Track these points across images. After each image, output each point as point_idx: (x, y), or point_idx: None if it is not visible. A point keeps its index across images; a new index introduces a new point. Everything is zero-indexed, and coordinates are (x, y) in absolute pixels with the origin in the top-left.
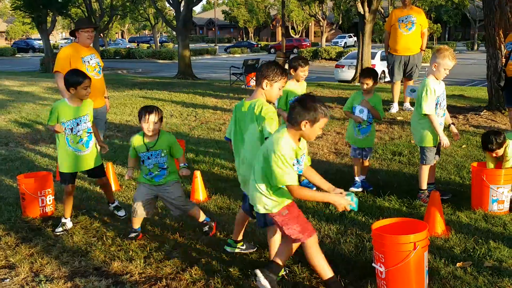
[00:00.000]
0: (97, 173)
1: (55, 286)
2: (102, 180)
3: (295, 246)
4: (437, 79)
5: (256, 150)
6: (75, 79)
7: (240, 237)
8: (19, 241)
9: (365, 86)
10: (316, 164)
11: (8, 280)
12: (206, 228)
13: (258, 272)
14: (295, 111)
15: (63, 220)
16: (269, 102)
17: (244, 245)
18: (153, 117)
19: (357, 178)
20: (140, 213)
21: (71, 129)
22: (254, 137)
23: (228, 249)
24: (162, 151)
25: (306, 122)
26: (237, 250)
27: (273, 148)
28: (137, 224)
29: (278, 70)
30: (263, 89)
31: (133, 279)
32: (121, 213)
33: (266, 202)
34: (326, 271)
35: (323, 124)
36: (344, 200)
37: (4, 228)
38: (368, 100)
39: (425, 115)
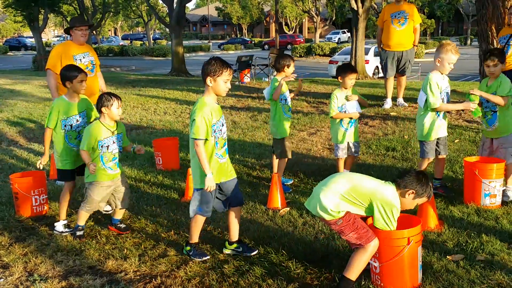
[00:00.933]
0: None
1: (50, 286)
2: None
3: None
4: (441, 73)
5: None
6: (70, 73)
7: (235, 238)
8: (13, 241)
9: (353, 82)
10: (311, 160)
11: (2, 280)
12: (122, 226)
13: None
14: (411, 178)
15: (63, 222)
16: (218, 96)
17: (240, 248)
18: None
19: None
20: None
21: (71, 126)
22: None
23: (226, 251)
24: (121, 135)
25: (413, 192)
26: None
27: (394, 203)
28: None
29: (218, 64)
30: (209, 86)
31: (128, 277)
32: (107, 207)
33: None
34: (355, 274)
35: (421, 201)
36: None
37: None
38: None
39: (433, 109)
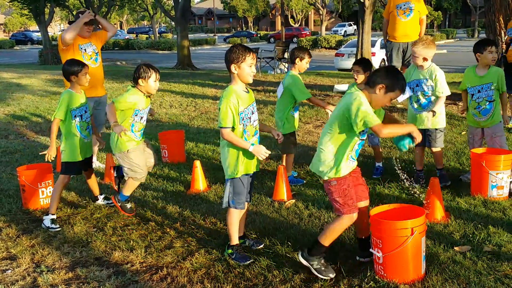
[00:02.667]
0: (89, 163)
1: (57, 277)
2: (90, 170)
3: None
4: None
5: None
6: (76, 68)
7: (241, 233)
8: (20, 233)
9: (355, 75)
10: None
11: (9, 271)
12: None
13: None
14: (379, 73)
15: (51, 216)
16: (246, 83)
17: (246, 242)
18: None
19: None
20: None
21: (81, 116)
22: None
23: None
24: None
25: (382, 86)
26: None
27: (356, 103)
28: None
29: (239, 50)
30: (234, 73)
31: (134, 268)
32: (111, 201)
33: (322, 168)
34: (328, 241)
35: (394, 96)
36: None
37: (5, 220)
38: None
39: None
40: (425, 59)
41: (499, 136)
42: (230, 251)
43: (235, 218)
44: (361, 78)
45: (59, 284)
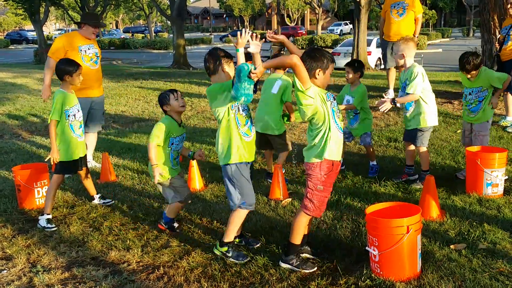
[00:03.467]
0: (84, 162)
1: (53, 277)
2: (85, 169)
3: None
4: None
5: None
6: (70, 68)
7: (238, 232)
8: (16, 233)
9: (346, 75)
10: None
11: (5, 271)
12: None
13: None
14: (307, 64)
15: (47, 216)
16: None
17: (243, 241)
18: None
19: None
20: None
21: (74, 115)
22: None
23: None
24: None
25: (319, 70)
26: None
27: (299, 87)
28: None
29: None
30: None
31: (131, 267)
32: (108, 200)
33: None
34: (299, 238)
35: (331, 70)
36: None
37: (0, 220)
38: (352, 90)
39: None
40: (403, 55)
41: (482, 135)
42: (225, 248)
43: (242, 218)
44: (352, 78)
45: (55, 284)
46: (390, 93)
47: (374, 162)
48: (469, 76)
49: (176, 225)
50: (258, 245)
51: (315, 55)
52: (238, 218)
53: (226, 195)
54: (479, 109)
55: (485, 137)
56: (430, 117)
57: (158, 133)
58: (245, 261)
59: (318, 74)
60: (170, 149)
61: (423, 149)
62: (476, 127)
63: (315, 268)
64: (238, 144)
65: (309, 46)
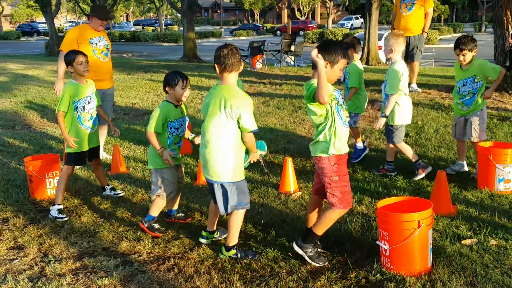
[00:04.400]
0: (95, 153)
1: (64, 266)
2: (97, 161)
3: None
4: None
5: (218, 136)
6: (69, 57)
7: (214, 227)
8: (27, 223)
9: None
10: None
11: (17, 260)
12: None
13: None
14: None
15: (58, 207)
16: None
17: (218, 233)
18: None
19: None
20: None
21: (83, 107)
22: (221, 125)
23: (204, 241)
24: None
25: (327, 63)
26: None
27: (313, 84)
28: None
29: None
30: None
31: (141, 258)
32: (118, 191)
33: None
34: (322, 230)
35: (342, 65)
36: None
37: (12, 210)
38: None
39: None
40: (391, 50)
41: (479, 123)
42: (233, 252)
43: (242, 219)
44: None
45: (67, 273)
46: None
47: (360, 144)
48: (462, 58)
49: (156, 226)
50: (225, 235)
51: (326, 47)
52: (238, 220)
53: (215, 202)
54: (473, 101)
55: (482, 125)
56: (400, 115)
57: (153, 121)
58: (255, 257)
59: (325, 67)
60: (168, 133)
61: (399, 145)
62: (472, 117)
63: (326, 263)
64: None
65: (320, 41)
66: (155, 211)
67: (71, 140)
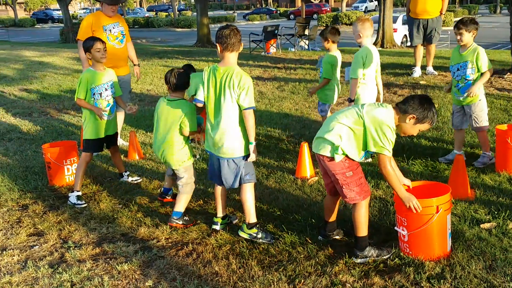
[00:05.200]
0: (114, 140)
1: (84, 252)
2: (115, 147)
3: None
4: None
5: (230, 117)
6: (87, 44)
7: (224, 212)
8: (47, 209)
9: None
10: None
11: (37, 247)
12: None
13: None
14: (412, 102)
15: (77, 193)
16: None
17: (230, 219)
18: None
19: None
20: None
21: (100, 94)
22: (229, 104)
23: (218, 227)
24: None
25: (413, 117)
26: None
27: (386, 121)
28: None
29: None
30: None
31: (160, 244)
32: (136, 178)
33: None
34: (364, 230)
35: (423, 128)
36: (412, 202)
37: (31, 197)
38: (323, 57)
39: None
40: (359, 35)
41: (479, 113)
42: (254, 230)
43: (253, 193)
44: (325, 45)
45: (87, 259)
46: (417, 71)
47: None
48: (459, 38)
49: (186, 217)
50: (237, 220)
51: (422, 104)
52: (250, 194)
53: (224, 178)
54: (466, 89)
55: (483, 115)
56: (363, 101)
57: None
58: (273, 241)
59: (409, 120)
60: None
61: None
62: (468, 109)
63: (389, 254)
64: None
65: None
66: (183, 207)
67: (101, 111)
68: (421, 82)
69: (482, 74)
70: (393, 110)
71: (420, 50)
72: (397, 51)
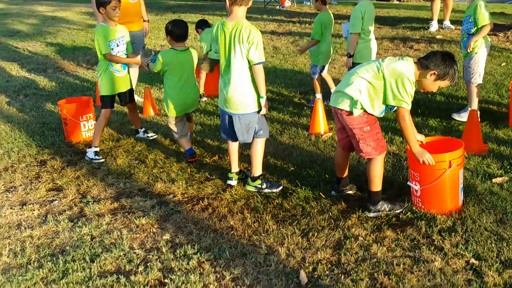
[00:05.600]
0: (130, 97)
1: (103, 206)
2: (132, 104)
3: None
4: None
5: (240, 72)
6: (104, 0)
7: (238, 168)
8: (65, 165)
9: None
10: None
11: (56, 201)
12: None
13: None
14: (434, 58)
15: (94, 149)
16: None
17: (244, 174)
18: None
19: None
20: None
21: (112, 49)
22: (240, 60)
23: (232, 182)
24: None
25: (434, 73)
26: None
27: (406, 74)
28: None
29: None
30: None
31: (176, 199)
32: (151, 134)
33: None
34: (378, 185)
35: (443, 84)
36: (425, 157)
37: (49, 152)
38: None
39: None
40: None
41: (468, 68)
42: (258, 182)
43: (263, 148)
44: (316, 4)
45: (106, 213)
46: (434, 25)
47: (318, 95)
48: None
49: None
50: (280, 189)
51: (445, 60)
52: (260, 149)
53: (238, 134)
54: (468, 44)
55: (477, 69)
56: (361, 55)
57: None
58: (279, 189)
59: (429, 76)
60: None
61: None
62: (467, 61)
63: (402, 209)
64: None
65: None
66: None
67: (136, 60)
68: (438, 37)
69: (480, 28)
70: (414, 64)
71: (438, 4)
72: (414, 4)
